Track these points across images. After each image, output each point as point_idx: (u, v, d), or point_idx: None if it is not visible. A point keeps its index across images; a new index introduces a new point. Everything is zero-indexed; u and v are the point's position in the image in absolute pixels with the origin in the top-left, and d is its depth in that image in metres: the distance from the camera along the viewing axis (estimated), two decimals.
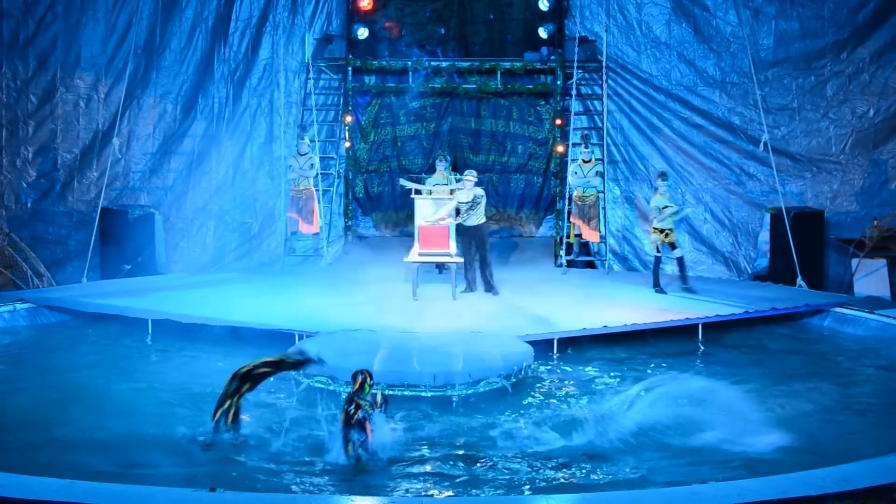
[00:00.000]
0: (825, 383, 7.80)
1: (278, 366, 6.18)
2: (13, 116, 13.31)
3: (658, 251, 11.14)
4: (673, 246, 11.13)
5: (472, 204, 10.69)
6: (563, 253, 12.78)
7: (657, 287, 10.99)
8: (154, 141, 13.56)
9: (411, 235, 12.23)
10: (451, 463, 5.97)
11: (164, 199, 13.47)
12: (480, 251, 10.83)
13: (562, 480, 5.69)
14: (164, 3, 13.47)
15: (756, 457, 5.97)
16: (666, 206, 11.03)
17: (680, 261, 11.25)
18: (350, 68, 13.78)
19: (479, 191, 10.81)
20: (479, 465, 5.94)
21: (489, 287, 10.77)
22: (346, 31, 13.92)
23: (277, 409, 7.10)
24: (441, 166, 12.33)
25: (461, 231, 10.89)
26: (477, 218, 10.74)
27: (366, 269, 12.53)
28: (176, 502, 4.71)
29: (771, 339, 9.56)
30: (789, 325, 10.01)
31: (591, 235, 12.66)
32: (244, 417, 6.13)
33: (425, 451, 6.21)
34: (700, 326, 9.42)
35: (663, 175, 11.41)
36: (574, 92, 13.47)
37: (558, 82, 13.62)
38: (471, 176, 10.84)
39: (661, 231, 11.04)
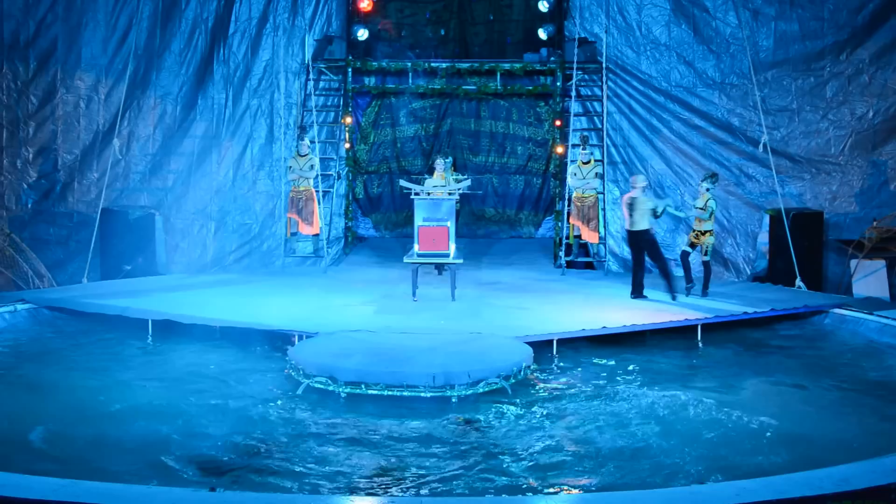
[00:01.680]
0: (824, 384, 7.82)
1: None
2: (14, 117, 13.33)
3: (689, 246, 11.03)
4: (693, 246, 10.98)
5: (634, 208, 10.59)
6: (562, 254, 12.79)
7: (689, 283, 10.89)
8: (154, 142, 13.59)
9: (411, 236, 12.24)
10: (451, 464, 5.99)
11: (165, 199, 13.48)
12: (650, 256, 10.71)
13: (561, 480, 5.71)
14: (164, 4, 13.50)
15: (754, 457, 5.99)
16: (695, 207, 10.95)
17: (705, 265, 11.04)
18: (350, 69, 13.80)
19: (640, 195, 10.55)
20: (477, 465, 5.95)
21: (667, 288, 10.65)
22: (346, 33, 13.94)
23: (277, 408, 7.12)
24: (440, 167, 12.33)
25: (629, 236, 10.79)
26: (638, 223, 10.57)
27: (365, 270, 12.56)
28: (176, 502, 4.72)
29: (770, 340, 9.57)
30: (788, 326, 10.02)
31: (590, 236, 12.67)
32: None
33: (424, 450, 6.23)
34: (699, 327, 9.43)
35: (710, 177, 11.03)
36: (574, 93, 13.48)
37: (558, 83, 13.64)
38: (641, 182, 10.71)
39: (693, 231, 11.02)
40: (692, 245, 10.98)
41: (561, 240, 13.05)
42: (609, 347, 8.96)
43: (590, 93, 13.78)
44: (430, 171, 13.39)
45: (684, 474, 5.67)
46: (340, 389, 7.32)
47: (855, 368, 8.42)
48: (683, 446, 6.24)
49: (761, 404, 7.21)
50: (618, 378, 8.06)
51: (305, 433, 6.55)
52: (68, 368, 8.12)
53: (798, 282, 11.41)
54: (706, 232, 10.85)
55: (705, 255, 10.95)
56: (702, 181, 11.03)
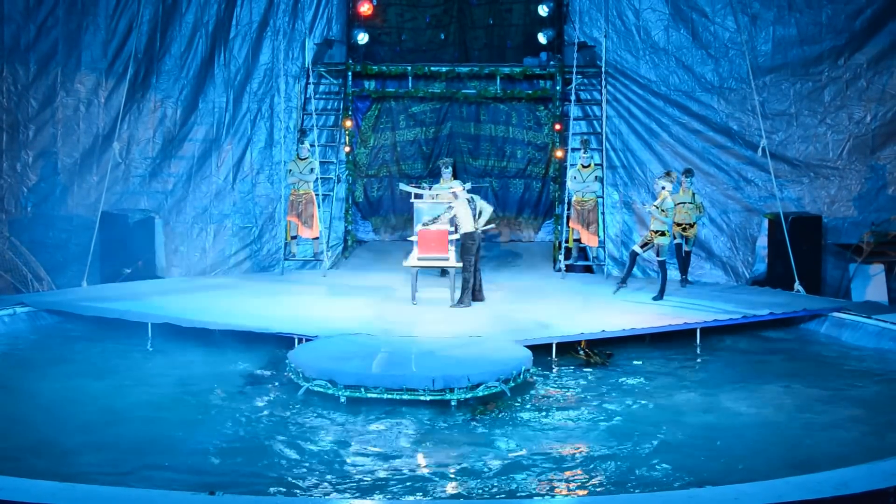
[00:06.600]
0: (822, 388, 7.83)
1: None
2: (14, 120, 13.34)
3: (675, 238, 11.78)
4: (687, 240, 11.82)
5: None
6: (561, 257, 12.80)
7: (684, 276, 11.88)
8: (154, 145, 13.60)
9: (411, 240, 12.25)
10: (450, 466, 5.99)
11: (164, 203, 13.49)
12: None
13: (561, 482, 5.71)
14: (164, 7, 13.52)
15: (752, 460, 6.00)
16: (681, 203, 11.60)
17: (687, 255, 11.94)
18: (350, 73, 13.83)
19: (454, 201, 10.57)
20: (477, 468, 5.96)
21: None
22: (346, 36, 13.97)
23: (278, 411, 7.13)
24: (447, 173, 12.39)
25: None
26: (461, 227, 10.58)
27: (365, 273, 12.56)
28: None
29: (769, 343, 9.58)
30: (787, 329, 10.04)
31: (589, 240, 12.68)
32: None
33: (424, 453, 6.23)
34: (698, 331, 9.45)
35: (686, 172, 11.95)
36: (573, 97, 13.51)
37: (557, 87, 13.67)
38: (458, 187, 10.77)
39: (679, 225, 11.63)
40: (644, 245, 11.05)
41: (560, 243, 13.07)
42: (608, 350, 8.96)
43: (589, 97, 13.81)
44: (431, 175, 13.40)
45: (686, 477, 5.68)
46: (340, 393, 7.32)
47: (854, 372, 8.43)
48: (685, 450, 6.25)
49: (759, 408, 7.22)
50: (616, 381, 8.06)
51: (305, 436, 6.56)
52: (67, 372, 8.12)
53: (797, 285, 11.43)
54: (658, 232, 10.81)
55: (658, 254, 10.96)
56: (658, 179, 11.13)
